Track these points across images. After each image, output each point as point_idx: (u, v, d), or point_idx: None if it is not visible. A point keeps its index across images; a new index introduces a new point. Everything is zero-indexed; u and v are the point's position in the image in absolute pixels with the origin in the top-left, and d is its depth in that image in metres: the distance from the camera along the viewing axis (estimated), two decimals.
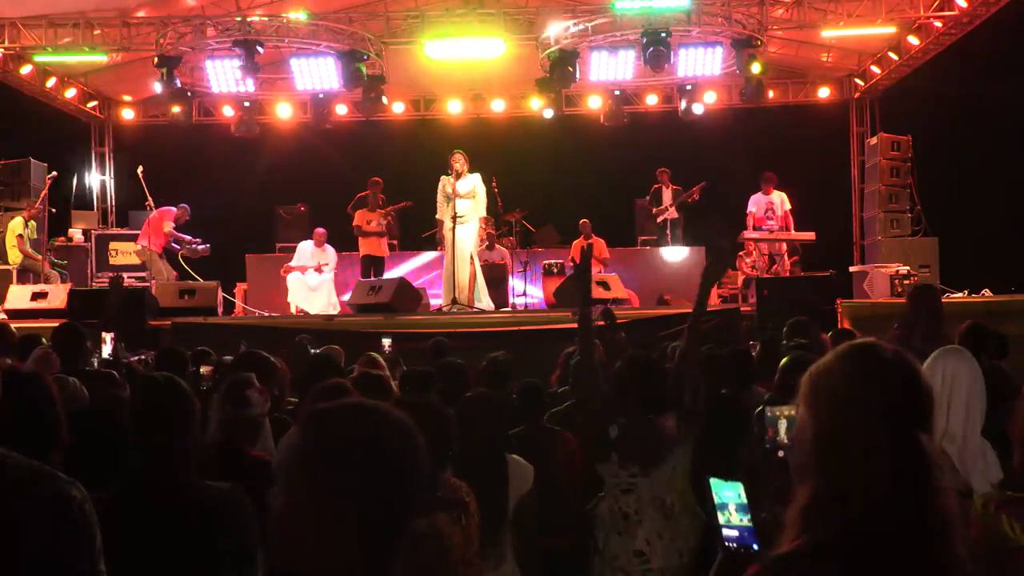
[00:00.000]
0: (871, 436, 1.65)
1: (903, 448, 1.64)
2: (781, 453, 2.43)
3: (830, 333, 7.01)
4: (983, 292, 11.62)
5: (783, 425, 2.45)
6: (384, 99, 14.50)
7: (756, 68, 13.13)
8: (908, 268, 11.88)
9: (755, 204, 13.56)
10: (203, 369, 5.40)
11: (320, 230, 13.42)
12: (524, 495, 3.80)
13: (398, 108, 16.23)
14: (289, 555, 1.52)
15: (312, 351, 6.29)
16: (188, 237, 12.80)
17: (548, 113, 15.12)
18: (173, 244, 12.73)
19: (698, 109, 14.89)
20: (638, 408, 3.78)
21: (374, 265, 13.31)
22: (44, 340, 5.96)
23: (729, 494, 1.96)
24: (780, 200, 13.55)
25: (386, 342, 7.69)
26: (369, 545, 1.49)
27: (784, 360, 4.33)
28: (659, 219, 14.69)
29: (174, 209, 12.76)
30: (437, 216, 11.64)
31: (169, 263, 12.69)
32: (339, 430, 1.53)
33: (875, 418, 1.66)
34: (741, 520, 1.94)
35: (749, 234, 13.61)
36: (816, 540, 1.62)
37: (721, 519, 1.95)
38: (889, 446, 1.64)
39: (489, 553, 3.38)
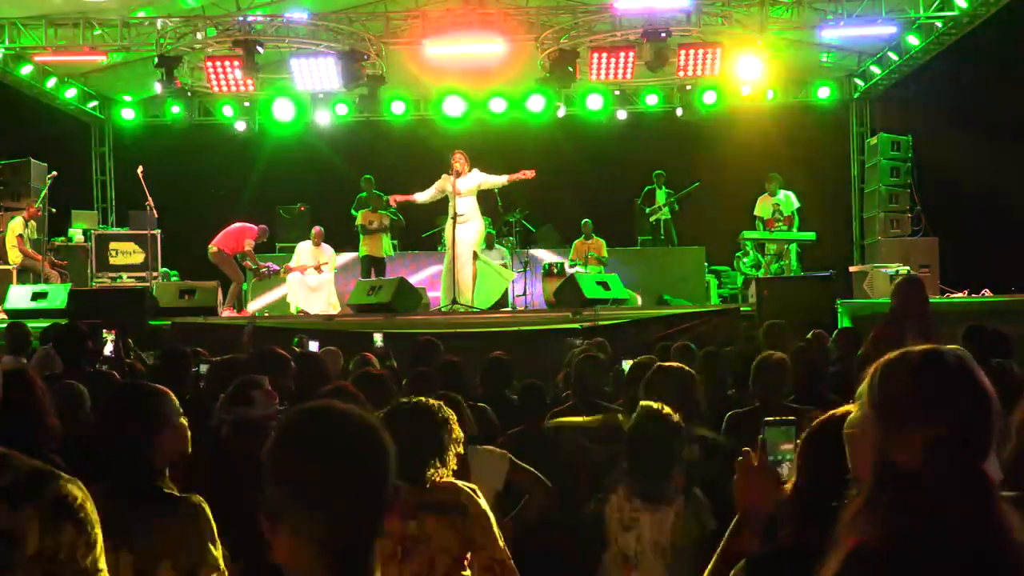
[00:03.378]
0: (927, 459, 1.61)
1: (957, 475, 1.60)
2: (783, 469, 2.39)
3: (835, 332, 7.03)
4: (983, 292, 11.63)
5: (783, 440, 2.42)
6: (384, 99, 14.52)
7: (756, 73, 13.11)
8: (908, 268, 11.88)
9: (760, 207, 13.60)
10: (203, 368, 5.42)
11: (317, 229, 13.43)
12: (529, 500, 3.78)
13: (398, 108, 16.23)
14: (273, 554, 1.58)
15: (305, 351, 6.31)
16: (262, 263, 13.09)
17: (538, 106, 15.17)
18: (246, 262, 12.86)
19: (698, 109, 14.89)
20: (648, 468, 3.71)
21: (374, 265, 13.32)
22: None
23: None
24: (786, 199, 13.56)
25: (377, 337, 7.74)
26: (339, 545, 1.54)
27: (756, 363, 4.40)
28: (652, 218, 14.74)
29: (255, 228, 12.92)
30: (418, 197, 11.55)
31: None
32: (299, 435, 1.58)
33: (932, 440, 1.62)
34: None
35: (749, 234, 13.63)
36: (868, 542, 1.60)
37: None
38: (943, 471, 1.60)
39: None
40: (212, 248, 12.71)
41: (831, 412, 2.17)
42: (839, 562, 1.61)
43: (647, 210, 14.81)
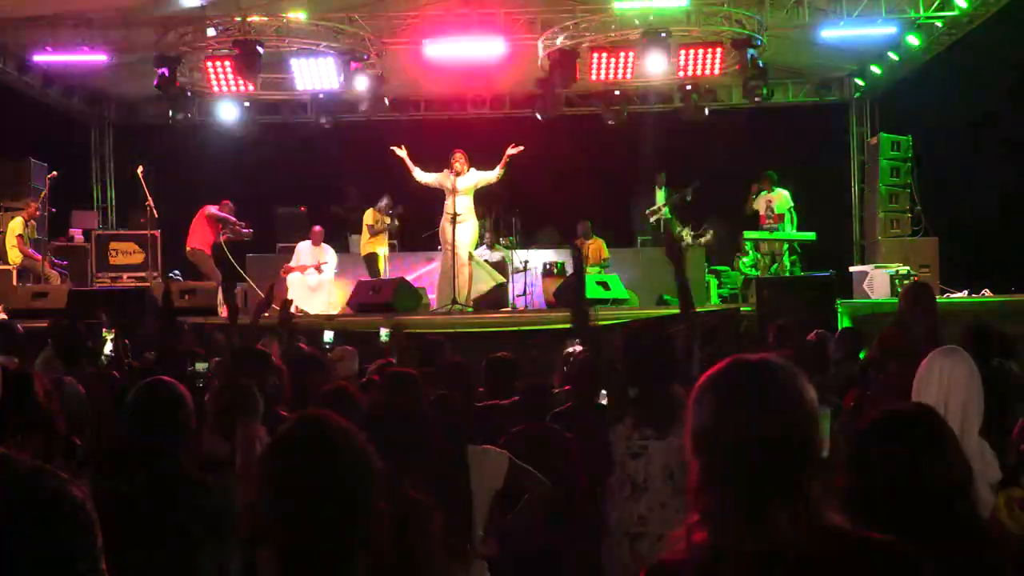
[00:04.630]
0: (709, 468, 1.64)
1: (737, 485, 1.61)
2: (825, 453, 2.47)
3: (836, 333, 7.03)
4: (983, 292, 11.63)
5: (824, 426, 2.49)
6: (384, 99, 14.49)
7: (759, 62, 13.12)
8: (908, 268, 11.88)
9: (758, 204, 13.65)
10: (199, 366, 5.41)
11: (317, 228, 13.43)
12: (529, 499, 3.78)
13: (398, 108, 16.21)
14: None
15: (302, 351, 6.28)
16: (233, 218, 13.11)
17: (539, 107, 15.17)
18: (221, 233, 12.88)
19: (698, 109, 14.87)
20: (650, 378, 3.78)
21: (373, 263, 13.30)
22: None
23: None
24: (779, 198, 13.58)
25: (383, 332, 7.71)
26: (318, 557, 1.54)
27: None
28: (652, 219, 14.73)
29: (214, 204, 12.97)
30: (422, 176, 11.50)
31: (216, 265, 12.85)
32: (288, 448, 1.60)
33: (708, 446, 1.64)
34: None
35: (749, 234, 13.64)
36: (691, 552, 1.63)
37: None
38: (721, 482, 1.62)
39: (457, 554, 3.34)
40: (187, 248, 12.81)
41: (891, 407, 2.22)
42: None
43: (646, 211, 14.81)
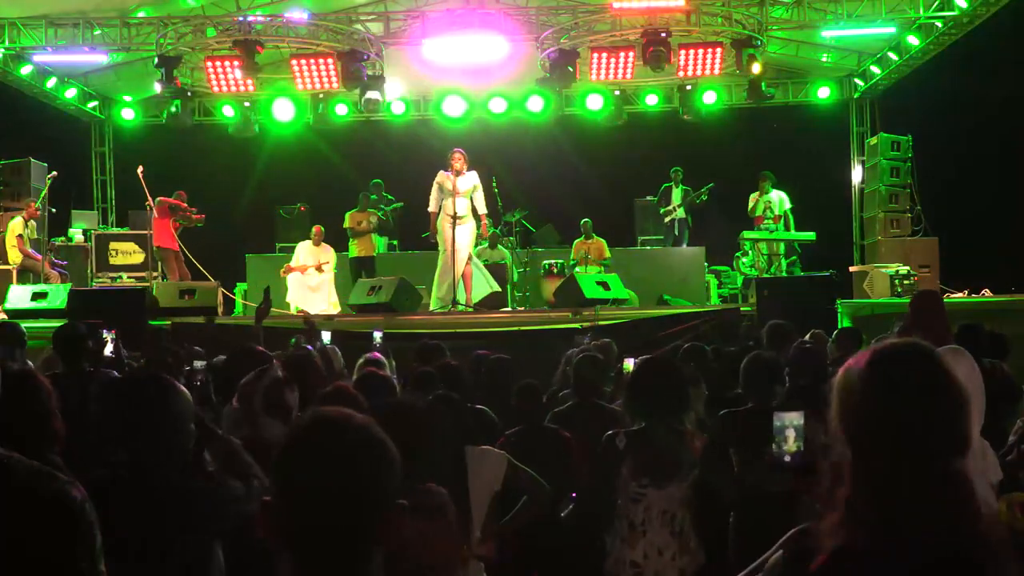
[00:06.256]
0: (890, 455, 1.60)
1: (924, 468, 1.59)
2: (788, 459, 2.45)
3: (835, 332, 7.03)
4: (983, 292, 11.63)
5: (791, 433, 2.46)
6: (384, 99, 14.49)
7: (756, 68, 13.14)
8: (908, 268, 11.87)
9: (752, 204, 13.65)
10: (197, 364, 5.43)
11: (317, 228, 13.42)
12: (527, 501, 3.77)
13: (398, 108, 16.22)
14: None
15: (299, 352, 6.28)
16: (183, 204, 12.97)
17: (537, 106, 15.18)
18: (176, 223, 12.83)
19: (698, 109, 14.87)
20: (657, 412, 3.71)
21: (363, 266, 13.28)
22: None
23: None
24: (778, 199, 13.58)
25: (377, 335, 7.70)
26: (337, 556, 1.52)
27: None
28: (667, 219, 14.68)
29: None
30: (430, 209, 11.35)
31: (185, 265, 12.80)
32: (306, 445, 1.57)
33: (890, 436, 1.60)
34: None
35: (748, 234, 13.63)
36: (849, 547, 1.59)
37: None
38: (907, 466, 1.59)
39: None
40: (155, 247, 12.84)
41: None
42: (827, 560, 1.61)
43: (662, 210, 14.77)
